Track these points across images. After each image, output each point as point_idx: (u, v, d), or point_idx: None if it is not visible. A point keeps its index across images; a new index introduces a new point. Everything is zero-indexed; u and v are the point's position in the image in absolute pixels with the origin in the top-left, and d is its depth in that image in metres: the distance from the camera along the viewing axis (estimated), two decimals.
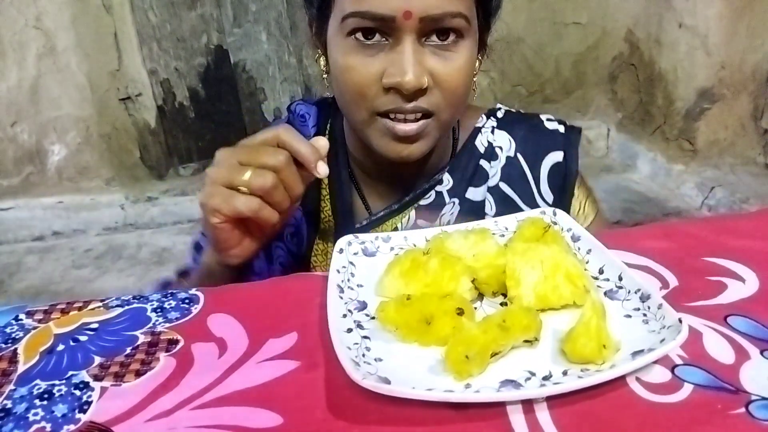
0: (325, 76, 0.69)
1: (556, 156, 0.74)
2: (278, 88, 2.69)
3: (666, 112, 2.38)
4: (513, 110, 0.79)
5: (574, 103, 2.81)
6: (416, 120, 0.61)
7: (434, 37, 0.60)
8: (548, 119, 0.76)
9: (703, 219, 1.04)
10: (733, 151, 2.26)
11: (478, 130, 0.75)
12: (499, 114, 0.77)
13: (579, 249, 0.53)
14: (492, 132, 0.75)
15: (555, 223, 0.57)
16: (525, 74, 2.74)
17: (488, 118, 0.76)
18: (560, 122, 0.76)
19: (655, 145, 2.46)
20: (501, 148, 0.74)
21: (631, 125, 2.63)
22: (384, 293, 0.49)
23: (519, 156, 0.74)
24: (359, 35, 0.59)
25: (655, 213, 2.25)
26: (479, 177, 0.74)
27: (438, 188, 0.73)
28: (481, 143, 0.75)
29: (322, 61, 0.68)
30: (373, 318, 0.46)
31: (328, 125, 0.78)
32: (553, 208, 0.60)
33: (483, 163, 0.74)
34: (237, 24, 2.54)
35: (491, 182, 0.73)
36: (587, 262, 0.52)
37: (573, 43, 2.69)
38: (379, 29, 0.59)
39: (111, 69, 2.42)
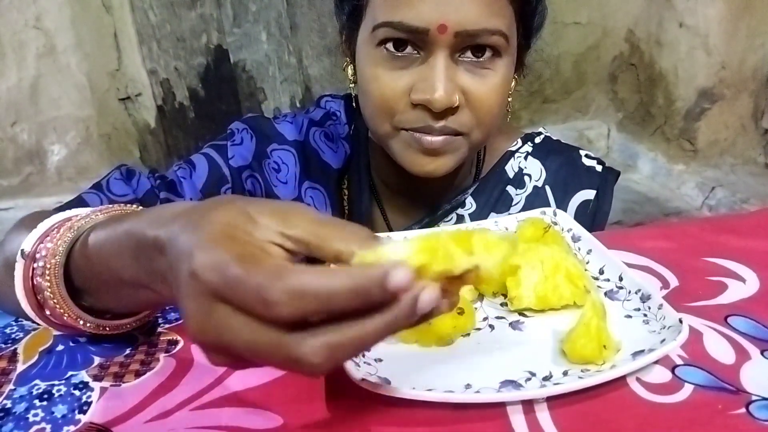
0: (351, 85, 0.67)
1: (588, 194, 0.71)
2: (278, 88, 2.69)
3: (666, 112, 2.38)
4: (553, 138, 0.76)
5: (574, 103, 2.81)
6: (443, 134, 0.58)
7: (469, 53, 0.56)
8: (587, 156, 0.74)
9: (703, 219, 1.04)
10: (733, 151, 2.25)
11: (511, 154, 0.73)
12: (537, 140, 0.74)
13: (579, 249, 0.53)
14: (525, 158, 0.73)
15: (555, 224, 0.57)
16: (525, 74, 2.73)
17: (525, 143, 0.74)
18: (599, 162, 0.74)
19: (656, 145, 2.46)
20: (530, 176, 0.72)
21: (631, 125, 2.63)
22: None
23: (547, 188, 0.72)
24: (390, 46, 0.56)
25: (655, 213, 2.24)
26: (503, 203, 0.71)
27: (460, 211, 0.71)
28: (511, 168, 0.72)
29: (350, 70, 0.66)
30: None
31: (352, 129, 0.75)
32: (553, 208, 0.60)
33: (509, 189, 0.72)
34: (237, 24, 2.53)
35: (513, 210, 0.71)
36: (587, 263, 0.52)
37: (573, 43, 2.69)
38: (411, 41, 0.56)
39: (111, 69, 2.42)
